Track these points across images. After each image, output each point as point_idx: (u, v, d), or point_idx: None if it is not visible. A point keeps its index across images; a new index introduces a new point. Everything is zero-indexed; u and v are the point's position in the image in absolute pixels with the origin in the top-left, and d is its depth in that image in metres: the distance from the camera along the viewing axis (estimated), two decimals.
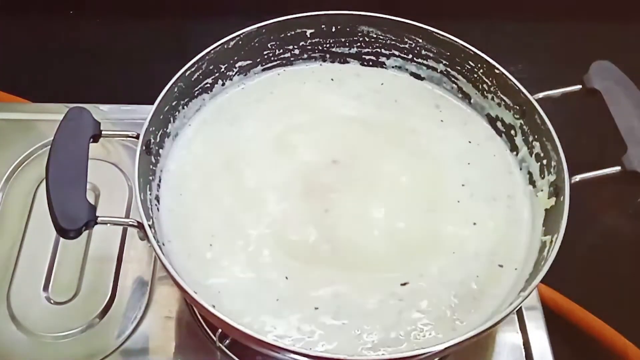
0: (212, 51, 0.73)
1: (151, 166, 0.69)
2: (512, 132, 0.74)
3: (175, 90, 0.71)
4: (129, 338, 0.70)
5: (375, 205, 0.69)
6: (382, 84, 0.79)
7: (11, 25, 1.05)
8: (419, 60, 0.79)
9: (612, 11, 1.09)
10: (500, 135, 0.75)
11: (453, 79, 0.78)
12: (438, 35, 0.76)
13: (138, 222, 0.61)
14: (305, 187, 0.70)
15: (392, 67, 0.80)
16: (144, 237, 0.60)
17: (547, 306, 0.77)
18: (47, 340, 0.70)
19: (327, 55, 0.81)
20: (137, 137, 0.66)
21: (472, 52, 0.74)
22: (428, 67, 0.79)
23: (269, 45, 0.78)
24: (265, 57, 0.79)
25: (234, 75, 0.78)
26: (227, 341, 0.69)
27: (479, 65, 0.75)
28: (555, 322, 0.76)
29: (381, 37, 0.79)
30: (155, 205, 0.68)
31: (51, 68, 1.00)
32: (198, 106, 0.76)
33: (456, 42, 0.75)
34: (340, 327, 0.62)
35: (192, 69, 0.72)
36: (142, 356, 0.70)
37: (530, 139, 0.71)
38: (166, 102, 0.70)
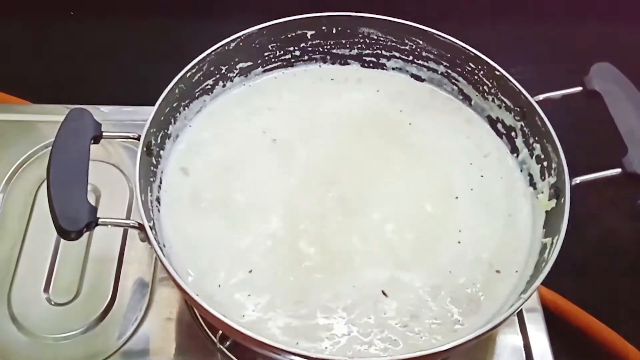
0: (212, 52, 0.73)
1: (152, 167, 0.69)
2: (513, 133, 0.74)
3: (176, 91, 0.71)
4: (129, 339, 0.70)
5: (373, 210, 0.69)
6: (377, 90, 0.79)
7: (11, 25, 1.05)
8: (420, 61, 0.79)
9: (612, 11, 1.08)
10: (501, 137, 0.75)
11: (454, 80, 0.78)
12: (439, 37, 0.76)
13: (139, 223, 0.61)
14: (305, 189, 0.70)
15: (393, 68, 0.80)
16: (145, 238, 0.61)
17: (548, 308, 0.77)
18: (47, 341, 0.70)
19: (328, 57, 0.81)
20: (138, 138, 0.66)
21: (473, 54, 0.74)
22: (429, 68, 0.79)
23: (269, 46, 0.78)
24: (266, 58, 0.79)
25: (235, 76, 0.78)
26: (228, 343, 0.69)
27: (480, 67, 0.75)
28: (555, 324, 0.76)
29: (382, 38, 0.78)
30: (156, 206, 0.68)
31: (52, 69, 1.00)
32: (199, 107, 0.76)
33: (457, 43, 0.75)
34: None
35: (193, 71, 0.72)
36: (143, 357, 0.70)
37: (531, 140, 0.71)
38: (167, 104, 0.70)
